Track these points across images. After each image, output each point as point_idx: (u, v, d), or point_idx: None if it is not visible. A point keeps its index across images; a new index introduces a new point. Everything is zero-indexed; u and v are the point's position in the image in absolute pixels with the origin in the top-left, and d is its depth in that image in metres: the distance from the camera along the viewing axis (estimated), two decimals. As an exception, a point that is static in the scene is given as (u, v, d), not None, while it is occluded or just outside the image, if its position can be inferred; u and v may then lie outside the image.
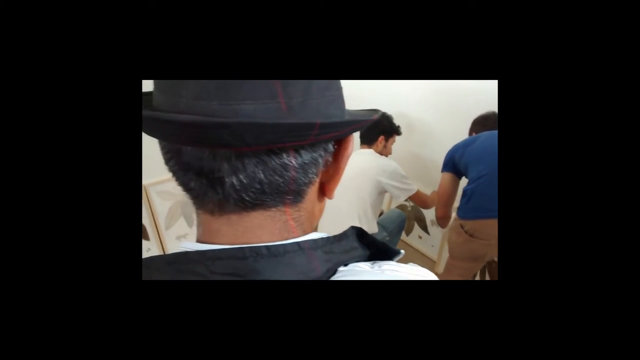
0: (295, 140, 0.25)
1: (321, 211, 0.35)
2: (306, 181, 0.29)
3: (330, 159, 0.30)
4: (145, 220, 1.16)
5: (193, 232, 1.26)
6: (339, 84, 0.30)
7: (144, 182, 1.14)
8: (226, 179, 0.26)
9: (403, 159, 1.53)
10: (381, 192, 1.22)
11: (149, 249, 1.18)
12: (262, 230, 0.29)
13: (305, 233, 0.31)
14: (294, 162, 0.27)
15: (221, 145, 0.24)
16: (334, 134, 0.27)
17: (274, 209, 0.29)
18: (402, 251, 0.36)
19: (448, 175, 1.16)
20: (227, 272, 0.27)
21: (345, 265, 0.30)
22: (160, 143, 0.28)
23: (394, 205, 1.78)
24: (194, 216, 1.00)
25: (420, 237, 1.73)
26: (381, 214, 1.51)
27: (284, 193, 0.28)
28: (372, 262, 0.32)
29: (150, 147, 1.14)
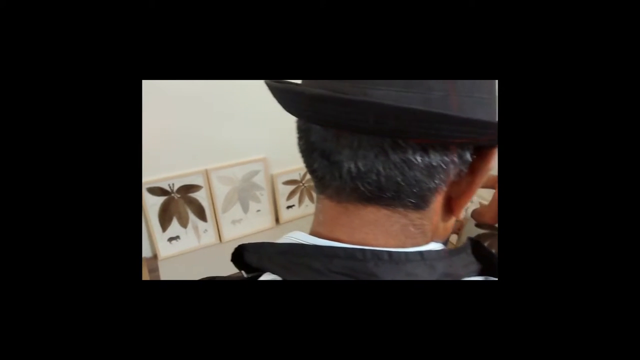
0: (423, 134, 0.23)
1: (446, 230, 0.33)
2: (431, 187, 0.27)
3: (465, 170, 0.28)
4: (205, 203, 1.24)
5: (247, 218, 1.31)
6: (494, 88, 0.28)
7: (207, 166, 1.21)
8: (344, 164, 0.26)
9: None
10: None
11: (206, 230, 1.25)
12: (378, 228, 0.28)
13: (426, 244, 0.30)
14: (419, 160, 0.25)
15: (344, 125, 0.24)
16: (471, 137, 0.25)
17: (391, 208, 0.28)
18: None
19: None
20: (345, 273, 0.27)
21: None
22: (297, 122, 0.30)
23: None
24: (250, 203, 1.05)
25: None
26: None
27: (404, 194, 0.27)
28: (484, 276, 0.30)
29: (214, 134, 1.20)
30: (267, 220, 1.35)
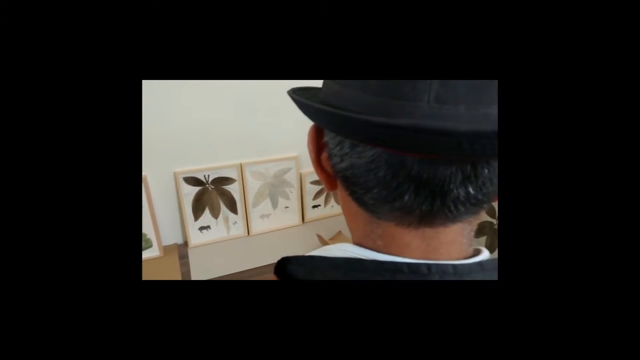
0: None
1: None
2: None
3: None
4: (236, 196, 1.27)
5: (276, 213, 1.33)
6: None
7: (241, 160, 1.24)
8: (454, 191, 0.25)
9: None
10: None
11: (236, 222, 1.29)
12: (454, 245, 0.29)
13: (475, 248, 0.31)
14: (495, 165, 0.26)
15: (474, 156, 0.23)
16: None
17: (466, 221, 0.28)
18: None
19: None
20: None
21: None
22: (342, 149, 0.28)
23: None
24: (279, 199, 1.06)
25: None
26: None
27: (484, 202, 0.27)
28: None
29: (250, 130, 1.23)
30: (294, 218, 1.37)
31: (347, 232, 1.25)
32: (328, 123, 0.28)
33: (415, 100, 0.23)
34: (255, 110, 1.22)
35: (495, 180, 0.26)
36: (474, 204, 0.26)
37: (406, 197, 0.26)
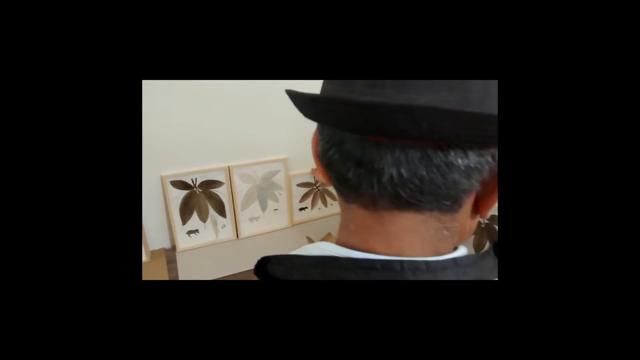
0: (469, 136, 0.24)
1: (472, 230, 0.34)
2: (467, 188, 0.27)
3: (495, 169, 0.29)
4: (225, 199, 1.26)
5: (265, 216, 1.32)
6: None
7: (229, 163, 1.23)
8: (386, 171, 0.25)
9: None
10: None
11: (224, 225, 1.28)
12: (415, 235, 0.29)
13: (454, 247, 0.31)
14: (459, 162, 0.25)
15: (392, 132, 0.24)
16: None
17: (428, 213, 0.28)
18: None
19: None
20: None
21: None
22: (322, 134, 0.30)
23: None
24: (268, 202, 1.05)
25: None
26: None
27: (441, 197, 0.27)
28: None
29: (238, 132, 1.22)
30: (283, 220, 1.36)
31: (336, 233, 1.26)
32: (309, 109, 0.29)
33: (350, 86, 0.26)
34: (243, 112, 1.21)
35: (438, 176, 0.26)
36: (422, 192, 0.26)
37: (349, 175, 0.28)
